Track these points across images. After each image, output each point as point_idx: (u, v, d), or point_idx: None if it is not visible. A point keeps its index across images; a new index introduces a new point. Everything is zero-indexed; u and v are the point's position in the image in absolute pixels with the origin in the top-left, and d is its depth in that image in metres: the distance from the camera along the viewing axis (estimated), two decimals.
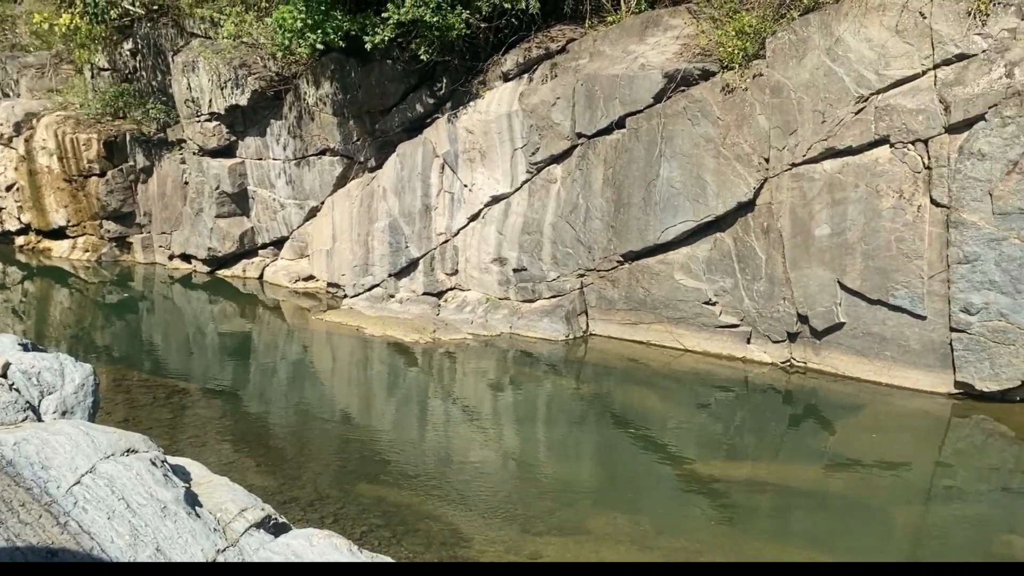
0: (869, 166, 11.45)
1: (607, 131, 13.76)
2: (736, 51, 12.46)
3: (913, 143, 11.07)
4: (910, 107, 11.00)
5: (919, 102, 10.96)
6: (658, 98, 13.11)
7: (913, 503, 8.53)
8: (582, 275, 14.43)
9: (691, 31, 13.49)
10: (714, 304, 13.13)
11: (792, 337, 12.56)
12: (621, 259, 13.91)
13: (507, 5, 14.31)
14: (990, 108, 10.38)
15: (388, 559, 3.84)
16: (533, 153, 14.52)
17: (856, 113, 11.50)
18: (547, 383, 12.66)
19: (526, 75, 14.95)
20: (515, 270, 15.08)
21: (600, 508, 7.95)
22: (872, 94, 11.39)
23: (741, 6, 12.95)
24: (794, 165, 12.11)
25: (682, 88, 12.97)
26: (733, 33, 12.56)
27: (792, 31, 12.07)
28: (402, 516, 7.47)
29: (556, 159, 14.43)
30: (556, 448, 10.06)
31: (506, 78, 15.15)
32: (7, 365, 5.53)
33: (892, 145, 11.25)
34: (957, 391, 11.05)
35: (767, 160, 12.33)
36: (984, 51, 10.67)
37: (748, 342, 12.98)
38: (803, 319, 12.32)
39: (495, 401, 12.04)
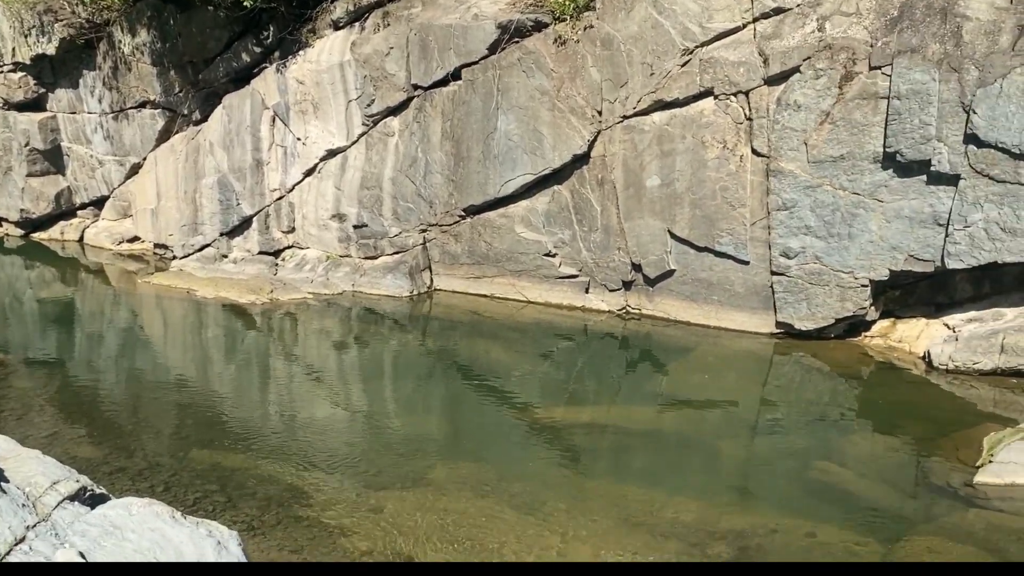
0: (695, 118, 11.88)
1: (443, 83, 13.62)
2: (567, 2, 12.55)
3: (735, 95, 11.56)
4: (732, 59, 11.47)
5: (740, 55, 11.43)
6: (492, 49, 13.07)
7: (740, 437, 9.07)
8: (424, 230, 14.33)
9: None
10: (554, 256, 13.37)
11: (627, 285, 12.98)
12: (463, 213, 13.90)
13: None
14: (804, 60, 10.97)
15: (217, 524, 3.70)
16: (368, 105, 14.19)
17: (682, 66, 11.88)
18: (392, 340, 12.58)
19: (357, 23, 14.49)
20: (355, 226, 14.78)
21: (445, 459, 8.00)
22: (697, 47, 11.78)
23: None
24: (625, 117, 12.40)
25: (516, 39, 12.97)
26: None
27: None
28: (239, 480, 7.25)
29: (393, 111, 14.17)
30: (402, 403, 10.03)
31: (336, 26, 14.64)
32: None
33: (716, 97, 11.71)
34: (778, 331, 11.78)
35: (600, 113, 12.57)
36: (798, 5, 11.23)
37: (587, 291, 13.32)
38: (637, 268, 12.75)
39: (339, 360, 11.85)
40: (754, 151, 11.51)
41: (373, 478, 7.39)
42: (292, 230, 15.48)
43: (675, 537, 6.49)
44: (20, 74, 17.32)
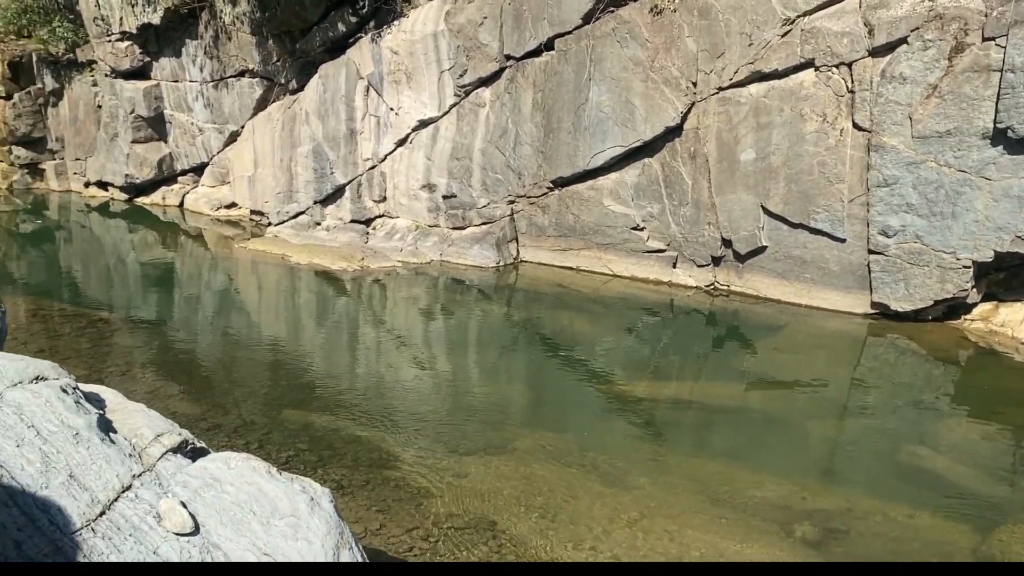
0: (794, 90, 11.54)
1: (536, 53, 13.57)
2: None
3: (837, 66, 11.18)
4: (835, 30, 11.07)
5: (844, 24, 11.03)
6: (587, 19, 12.93)
7: (828, 418, 8.84)
8: (512, 201, 14.37)
9: None
10: (642, 229, 13.24)
11: (716, 261, 12.78)
12: (551, 185, 13.88)
13: None
14: (912, 31, 10.51)
15: (310, 481, 3.81)
16: (461, 75, 14.25)
17: (782, 36, 11.53)
18: (477, 309, 12.67)
19: None
20: (445, 197, 14.92)
21: (527, 428, 8.05)
22: (798, 16, 11.42)
23: None
24: (721, 89, 12.14)
25: (611, 9, 12.80)
26: None
27: None
28: (329, 440, 7.45)
29: (485, 82, 14.20)
30: (486, 372, 10.12)
31: None
32: None
33: (817, 68, 11.35)
34: (873, 311, 11.43)
35: (695, 84, 12.33)
36: None
37: (674, 266, 13.16)
38: (727, 243, 12.52)
39: (425, 327, 12.01)
40: (855, 125, 11.13)
41: (457, 443, 7.49)
42: (383, 199, 15.72)
43: (758, 515, 6.40)
44: (127, 43, 17.96)
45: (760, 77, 11.83)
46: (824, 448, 8.20)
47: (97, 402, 4.56)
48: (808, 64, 11.41)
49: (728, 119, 12.13)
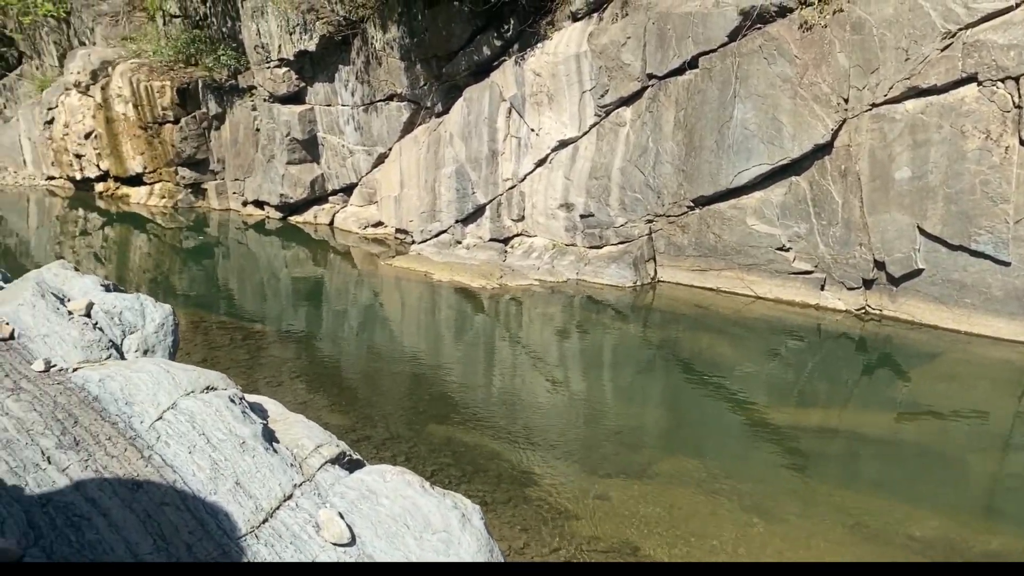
0: (954, 106, 10.96)
1: (679, 72, 13.44)
2: None
3: (1003, 80, 10.54)
4: (1001, 42, 10.45)
5: (1011, 37, 10.40)
6: (733, 36, 12.72)
7: (990, 451, 8.30)
8: (651, 221, 14.25)
9: None
10: (788, 250, 12.85)
11: (868, 284, 12.25)
12: (692, 204, 13.68)
13: None
14: None
15: (462, 497, 3.89)
16: (602, 95, 14.28)
17: (942, 50, 10.98)
18: (614, 329, 12.61)
19: (595, 14, 14.64)
20: (582, 216, 14.96)
21: (667, 452, 7.93)
22: (960, 29, 10.85)
23: None
24: (874, 105, 11.67)
25: (758, 26, 12.55)
26: None
27: None
28: (471, 456, 7.57)
29: (625, 101, 14.18)
30: (623, 393, 10.05)
31: (575, 18, 14.87)
32: (90, 305, 5.72)
33: (980, 83, 10.74)
34: None
35: (846, 100, 11.90)
36: None
37: (822, 289, 12.70)
38: (880, 265, 11.98)
39: (562, 346, 12.05)
40: (1022, 142, 10.45)
41: (597, 465, 7.47)
42: (522, 218, 15.91)
43: (914, 553, 6.07)
44: (284, 69, 18.95)
45: (917, 93, 11.29)
46: (986, 484, 7.70)
47: (261, 412, 4.81)
48: (970, 79, 10.81)
49: (882, 136, 11.63)
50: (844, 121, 11.99)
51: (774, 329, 12.12)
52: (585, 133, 14.77)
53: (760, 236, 13.01)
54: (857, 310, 12.38)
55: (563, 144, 15.08)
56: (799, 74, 12.17)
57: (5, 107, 27.55)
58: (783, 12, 12.39)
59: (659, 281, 14.29)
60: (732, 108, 12.86)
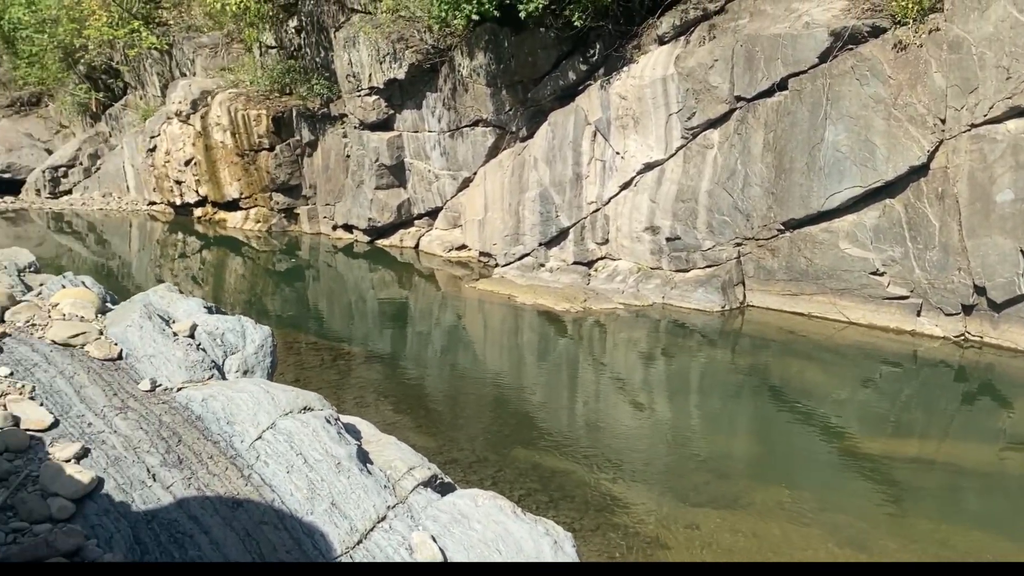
0: None
1: (768, 93, 13.26)
2: (910, 5, 11.68)
3: None
4: None
5: None
6: (823, 57, 12.49)
7: None
8: (739, 244, 14.03)
9: None
10: (882, 274, 12.48)
11: (967, 310, 11.79)
12: (782, 227, 13.43)
13: None
14: None
15: (553, 524, 3.89)
16: (689, 118, 14.19)
17: None
18: (701, 355, 12.43)
19: (682, 37, 14.58)
20: (668, 239, 14.83)
21: (759, 481, 7.76)
22: None
23: None
24: (973, 126, 11.28)
25: (850, 46, 12.30)
26: None
27: None
28: (558, 482, 7.55)
29: (713, 124, 14.04)
30: (711, 420, 9.88)
31: (661, 41, 14.83)
32: (194, 326, 5.95)
33: None
34: None
35: (943, 121, 11.54)
36: None
37: (918, 315, 12.28)
38: (980, 291, 11.53)
39: (647, 371, 11.94)
40: None
41: (686, 494, 7.35)
42: (606, 241, 15.87)
43: None
44: (374, 97, 19.40)
45: (1019, 113, 10.88)
46: None
47: (354, 433, 4.91)
48: None
49: (982, 158, 11.23)
50: (941, 142, 11.62)
51: (868, 356, 11.76)
52: (671, 156, 14.67)
53: (853, 260, 12.68)
54: (956, 337, 11.92)
55: (649, 167, 15.01)
56: (893, 95, 11.87)
57: (111, 135, 28.91)
58: (876, 32, 12.12)
59: (748, 306, 14.04)
60: (823, 130, 12.61)
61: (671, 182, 14.72)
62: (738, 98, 13.59)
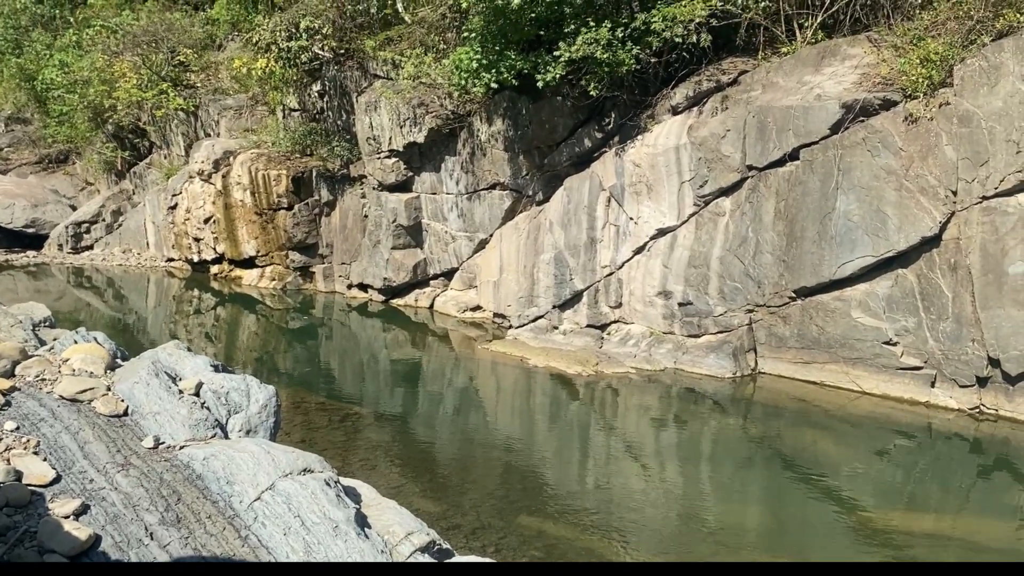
0: None
1: (779, 163, 13.40)
2: (920, 80, 11.85)
3: None
4: None
5: None
6: (835, 129, 12.64)
7: None
8: (751, 311, 14.03)
9: (871, 60, 12.97)
10: (895, 344, 12.42)
11: (982, 382, 11.68)
12: (793, 295, 13.43)
13: (678, 40, 14.26)
14: None
15: None
16: (701, 186, 14.33)
17: None
18: (712, 421, 12.34)
19: (695, 108, 14.82)
20: (680, 304, 14.85)
21: (768, 553, 7.64)
22: None
23: (926, 33, 12.34)
24: (985, 198, 11.33)
25: (861, 119, 12.45)
26: (917, 61, 11.97)
27: (983, 57, 11.35)
28: (563, 551, 7.46)
29: (725, 192, 14.17)
30: (721, 489, 9.76)
31: (675, 111, 15.08)
32: (200, 384, 6.00)
33: None
34: None
35: (954, 193, 11.60)
36: None
37: (932, 386, 12.17)
38: (994, 363, 11.43)
39: (658, 438, 11.85)
40: None
41: None
42: (619, 305, 15.91)
43: None
44: (393, 160, 19.73)
45: None
46: None
47: (354, 496, 4.91)
48: None
49: (994, 230, 11.25)
50: (953, 214, 11.66)
51: (881, 427, 11.64)
52: (684, 222, 14.78)
53: (865, 329, 12.63)
54: (971, 409, 11.79)
55: (662, 232, 15.12)
56: (904, 166, 11.96)
57: (134, 193, 29.46)
58: (887, 105, 12.28)
59: (760, 373, 13.97)
60: (835, 199, 12.69)
61: (683, 248, 14.80)
62: (750, 167, 13.73)
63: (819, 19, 14.29)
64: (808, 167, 12.99)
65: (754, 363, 14.07)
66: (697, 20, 14.09)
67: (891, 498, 9.42)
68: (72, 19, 32.86)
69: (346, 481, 4.99)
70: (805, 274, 13.18)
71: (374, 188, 20.56)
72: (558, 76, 14.87)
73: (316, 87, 22.29)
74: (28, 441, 5.08)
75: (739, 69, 14.74)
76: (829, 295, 13.08)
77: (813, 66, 13.66)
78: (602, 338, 15.95)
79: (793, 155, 13.21)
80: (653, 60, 15.06)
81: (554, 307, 16.76)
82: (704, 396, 13.24)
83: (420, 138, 18.86)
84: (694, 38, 14.21)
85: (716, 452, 11.20)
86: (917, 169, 11.87)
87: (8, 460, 4.83)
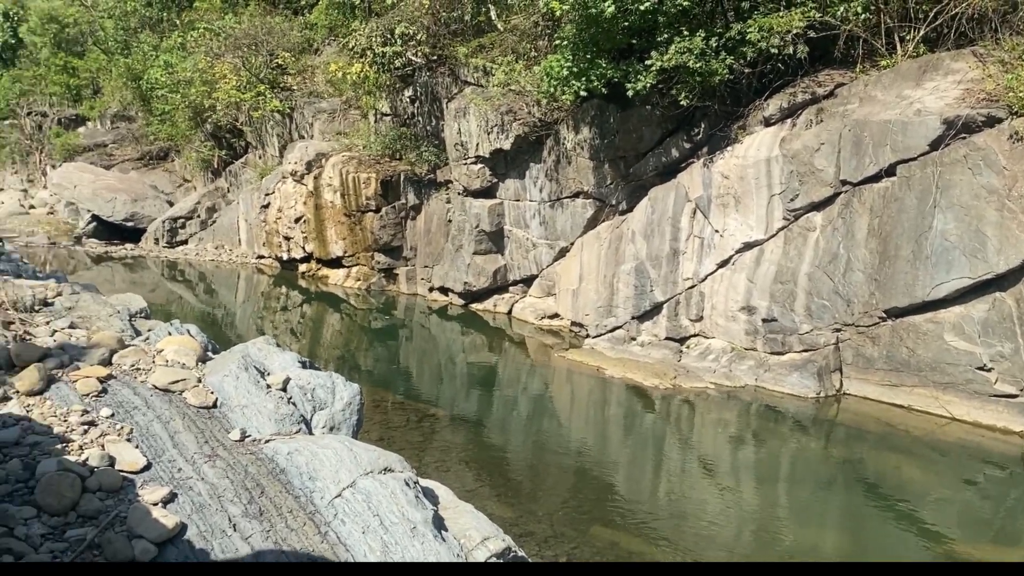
0: None
1: (875, 179, 13.02)
2: None
3: None
4: None
5: None
6: (935, 145, 12.23)
7: None
8: (838, 330, 13.66)
9: (976, 75, 12.50)
10: (989, 370, 11.93)
11: None
12: (884, 315, 13.03)
13: (774, 51, 14.02)
14: None
15: None
16: (792, 199, 14.03)
17: None
18: (793, 442, 12.06)
19: (789, 120, 14.53)
20: (764, 320, 14.56)
21: None
22: None
23: None
24: None
25: (963, 135, 12.01)
26: None
27: None
28: None
29: (816, 206, 13.85)
30: (799, 511, 9.53)
31: (767, 123, 14.81)
32: (287, 380, 6.16)
33: None
34: None
35: None
36: None
37: None
38: None
39: (735, 455, 11.64)
40: None
41: None
42: (700, 319, 15.69)
43: None
44: (479, 166, 19.90)
45: None
46: None
47: (432, 497, 4.96)
48: None
49: None
50: None
51: (971, 455, 11.19)
52: (772, 236, 14.50)
53: (958, 353, 12.16)
54: None
55: (748, 246, 14.86)
56: (1007, 186, 11.49)
57: (229, 191, 30.44)
58: (991, 122, 11.82)
59: (845, 394, 13.59)
60: (931, 218, 12.28)
61: (770, 263, 14.51)
62: (843, 182, 13.39)
63: (922, 32, 13.84)
64: (905, 184, 12.59)
65: (839, 384, 13.70)
66: (794, 31, 13.82)
67: (979, 531, 9.04)
68: (178, 21, 34.17)
69: (425, 482, 5.06)
70: (897, 294, 12.77)
71: (459, 193, 20.78)
72: (649, 85, 14.78)
73: (408, 92, 22.66)
74: (122, 428, 5.30)
75: (836, 81, 14.39)
76: (921, 317, 12.64)
77: (914, 80, 13.24)
78: (681, 351, 15.76)
79: (889, 171, 12.81)
80: (746, 70, 14.83)
81: (633, 318, 16.63)
82: (785, 415, 12.94)
83: (507, 145, 18.98)
84: (790, 49, 13.95)
85: (796, 473, 10.94)
86: (1021, 189, 11.38)
87: (103, 446, 5.05)
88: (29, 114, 39.88)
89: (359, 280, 23.41)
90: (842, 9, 14.04)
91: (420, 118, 22.64)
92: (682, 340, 15.99)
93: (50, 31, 38.94)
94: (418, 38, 20.84)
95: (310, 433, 5.69)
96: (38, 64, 40.57)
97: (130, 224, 30.96)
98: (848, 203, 13.37)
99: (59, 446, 4.91)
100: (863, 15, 13.97)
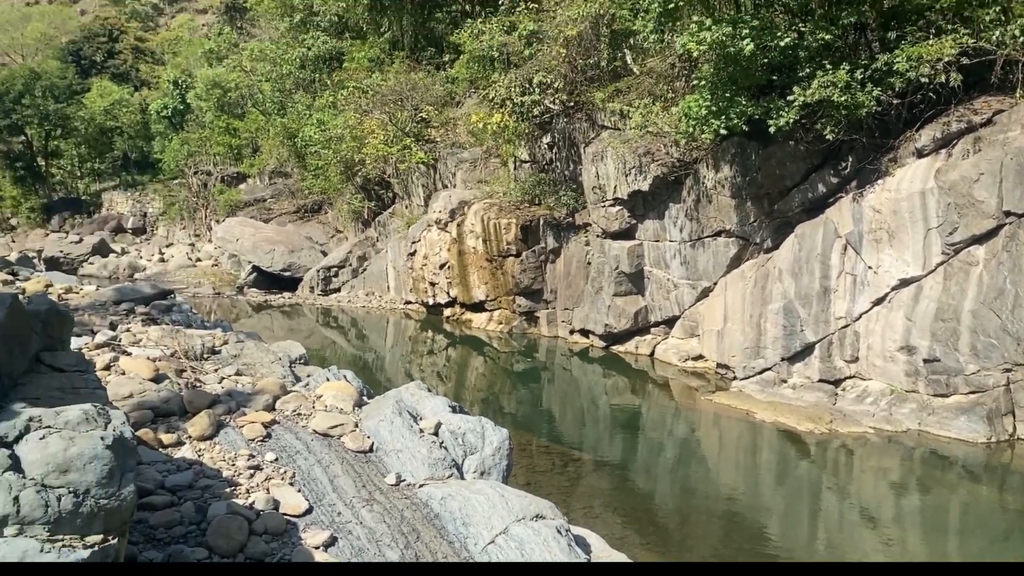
0: None
1: None
2: None
3: None
4: None
5: None
6: None
7: None
8: (1008, 370, 12.77)
9: None
10: None
11: None
12: None
13: (924, 80, 13.44)
14: None
15: None
16: (951, 233, 13.32)
17: None
18: (962, 490, 11.31)
19: (943, 150, 13.85)
20: (926, 360, 13.78)
21: None
22: None
23: None
24: None
25: None
26: None
27: None
28: None
29: (978, 239, 13.09)
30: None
31: (920, 154, 14.17)
32: (439, 424, 6.33)
33: None
34: None
35: None
36: None
37: None
38: None
39: (899, 505, 11.01)
40: None
41: None
42: (855, 359, 15.02)
43: None
44: (617, 208, 19.94)
45: None
46: None
47: (584, 546, 4.96)
48: None
49: None
50: None
51: None
52: (930, 272, 13.77)
53: None
54: None
55: (904, 283, 14.17)
56: None
57: (378, 240, 31.68)
58: None
59: (1018, 439, 12.64)
60: None
61: (930, 300, 13.77)
62: (1007, 213, 12.60)
63: None
64: None
65: (1012, 428, 12.76)
66: (946, 59, 13.22)
67: None
68: (329, 82, 36.11)
69: (576, 529, 5.06)
70: None
71: (598, 236, 20.84)
72: (792, 120, 14.46)
73: (546, 139, 23.06)
74: (285, 472, 5.59)
75: (994, 108, 13.62)
76: None
77: None
78: (836, 394, 15.10)
79: None
80: (895, 101, 14.26)
81: (782, 359, 16.10)
82: (953, 462, 12.16)
83: (645, 186, 18.94)
84: (942, 78, 13.33)
85: (966, 524, 10.23)
86: None
87: (268, 489, 5.33)
88: (196, 173, 42.99)
89: (501, 323, 23.76)
90: (998, 33, 13.33)
91: (558, 163, 22.94)
92: (837, 382, 15.34)
93: (214, 96, 41.95)
94: (556, 86, 21.22)
95: (461, 477, 5.82)
96: (203, 127, 43.74)
97: (287, 274, 32.66)
98: (1013, 235, 12.57)
99: (228, 489, 5.21)
100: (1021, 38, 13.21)
